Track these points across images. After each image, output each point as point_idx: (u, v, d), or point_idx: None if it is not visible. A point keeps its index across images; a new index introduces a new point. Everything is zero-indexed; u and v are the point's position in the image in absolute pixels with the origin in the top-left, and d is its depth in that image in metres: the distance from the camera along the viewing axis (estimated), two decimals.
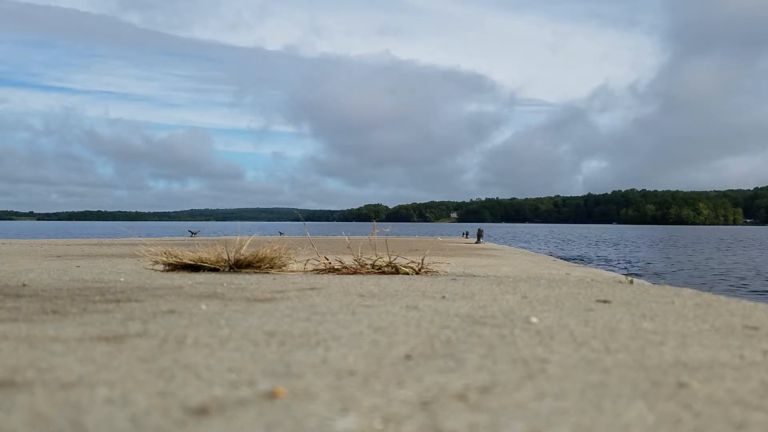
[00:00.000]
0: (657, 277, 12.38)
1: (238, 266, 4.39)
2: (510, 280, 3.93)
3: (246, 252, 4.41)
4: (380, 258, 4.54)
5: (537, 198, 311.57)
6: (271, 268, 4.45)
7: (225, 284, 3.33)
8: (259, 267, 4.42)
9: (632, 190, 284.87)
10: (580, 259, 17.27)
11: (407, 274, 4.38)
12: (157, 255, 4.55)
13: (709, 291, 3.28)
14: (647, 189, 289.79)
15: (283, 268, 4.50)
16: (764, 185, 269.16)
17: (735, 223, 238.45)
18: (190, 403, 1.05)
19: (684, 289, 3.25)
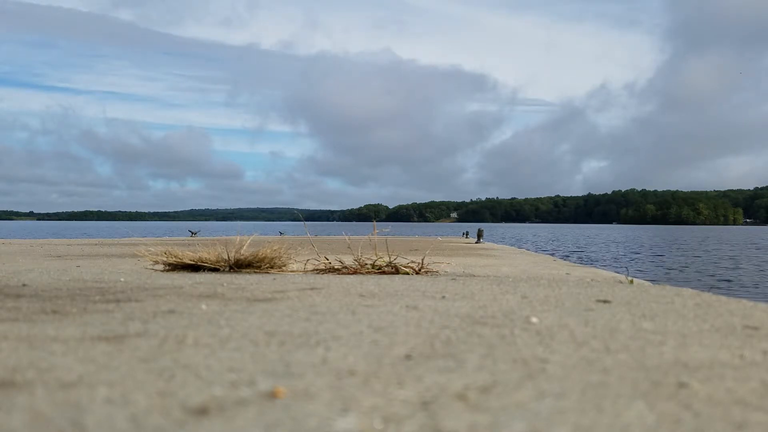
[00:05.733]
0: (657, 276, 12.37)
1: (238, 266, 4.39)
2: (510, 280, 3.92)
3: (246, 252, 4.41)
4: (380, 258, 4.54)
5: (537, 198, 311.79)
6: (271, 268, 4.45)
7: (225, 284, 3.33)
8: (259, 267, 4.41)
9: (632, 190, 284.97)
10: (580, 259, 17.27)
11: (407, 274, 4.38)
12: (157, 255, 4.55)
13: (709, 291, 3.28)
14: (647, 189, 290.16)
15: (283, 268, 4.50)
16: (764, 185, 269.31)
17: (735, 223, 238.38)
18: (190, 403, 1.05)
19: (684, 289, 3.25)
